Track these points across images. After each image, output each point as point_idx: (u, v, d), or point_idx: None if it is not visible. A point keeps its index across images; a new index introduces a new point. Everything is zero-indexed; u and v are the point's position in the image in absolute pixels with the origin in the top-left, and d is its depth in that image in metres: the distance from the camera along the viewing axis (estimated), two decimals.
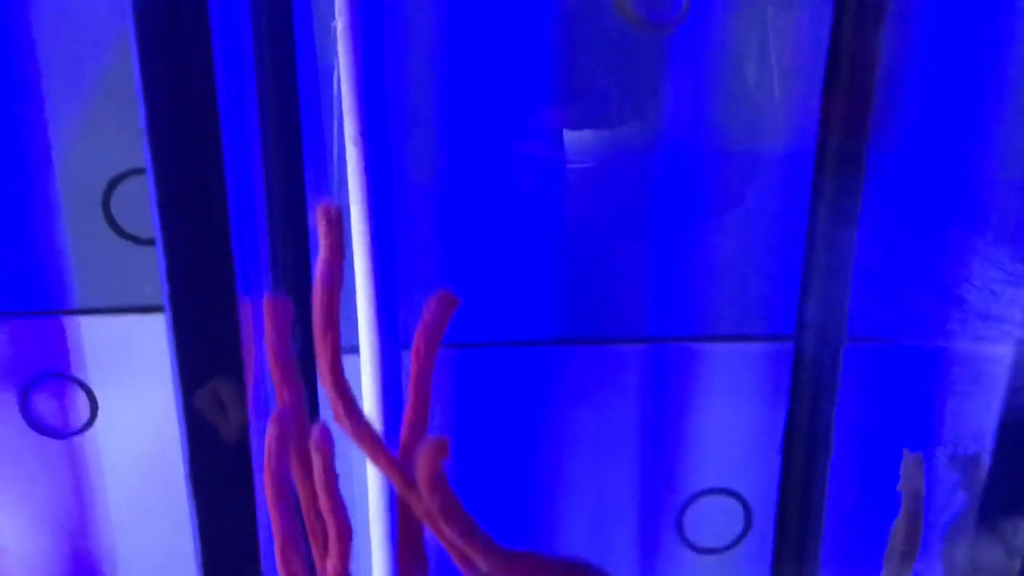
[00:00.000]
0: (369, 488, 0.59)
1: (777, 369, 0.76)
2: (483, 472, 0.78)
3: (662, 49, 0.69)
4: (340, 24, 0.61)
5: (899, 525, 0.61)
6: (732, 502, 0.80)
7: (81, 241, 0.74)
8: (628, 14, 0.53)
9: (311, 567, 0.44)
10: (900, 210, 0.72)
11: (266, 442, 0.40)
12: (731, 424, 0.78)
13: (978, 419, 0.73)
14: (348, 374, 0.45)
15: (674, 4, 0.64)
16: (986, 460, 0.70)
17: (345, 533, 0.42)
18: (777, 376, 0.76)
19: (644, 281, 0.75)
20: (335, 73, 0.70)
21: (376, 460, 0.39)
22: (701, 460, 0.79)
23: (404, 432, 0.42)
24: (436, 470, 0.37)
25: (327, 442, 0.40)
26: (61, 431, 0.80)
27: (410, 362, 0.43)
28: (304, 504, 0.42)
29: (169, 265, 0.68)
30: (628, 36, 0.67)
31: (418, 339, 0.41)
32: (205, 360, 0.70)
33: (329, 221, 0.37)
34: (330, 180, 0.73)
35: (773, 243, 0.75)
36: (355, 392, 0.58)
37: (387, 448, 0.40)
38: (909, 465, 0.61)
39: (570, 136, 0.73)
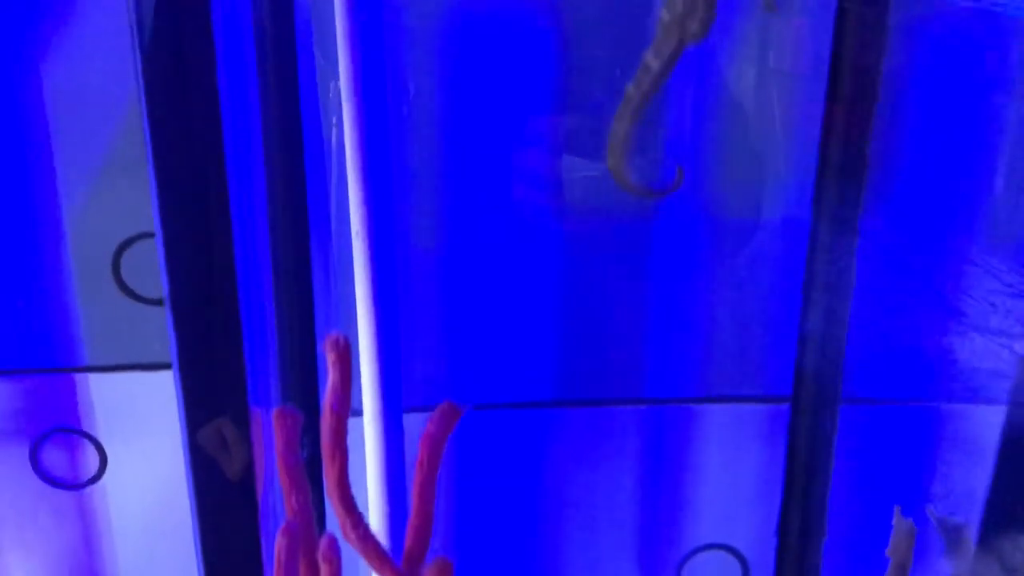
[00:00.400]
0: None
1: (774, 429, 0.77)
2: (482, 533, 0.79)
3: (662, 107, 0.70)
4: (342, 84, 0.62)
5: None
6: (729, 558, 0.81)
7: (91, 301, 0.75)
8: (624, 182, 0.55)
9: None
10: (901, 244, 0.72)
11: (275, 551, 0.42)
12: (728, 483, 0.79)
13: (970, 481, 0.74)
14: (351, 437, 0.47)
15: (667, 174, 0.65)
16: (974, 527, 0.71)
17: None
18: (774, 436, 0.77)
19: (642, 343, 0.76)
20: (333, 130, 0.71)
21: (382, 574, 0.41)
22: (699, 518, 0.80)
23: (409, 538, 0.43)
24: None
25: (334, 552, 0.42)
26: (71, 483, 0.81)
27: (415, 463, 0.45)
28: None
29: (177, 323, 0.70)
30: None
31: (422, 449, 0.43)
32: (212, 413, 0.72)
33: (338, 351, 0.38)
34: (330, 235, 0.74)
35: (769, 304, 0.76)
36: (357, 455, 0.59)
37: (393, 562, 0.41)
38: (899, 534, 0.62)
39: (570, 198, 0.74)
